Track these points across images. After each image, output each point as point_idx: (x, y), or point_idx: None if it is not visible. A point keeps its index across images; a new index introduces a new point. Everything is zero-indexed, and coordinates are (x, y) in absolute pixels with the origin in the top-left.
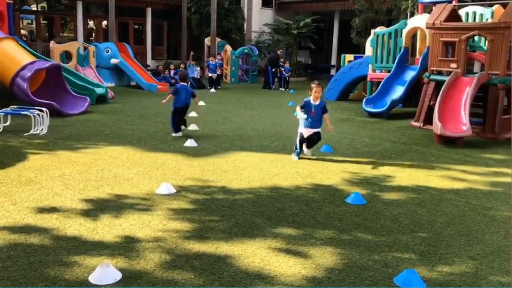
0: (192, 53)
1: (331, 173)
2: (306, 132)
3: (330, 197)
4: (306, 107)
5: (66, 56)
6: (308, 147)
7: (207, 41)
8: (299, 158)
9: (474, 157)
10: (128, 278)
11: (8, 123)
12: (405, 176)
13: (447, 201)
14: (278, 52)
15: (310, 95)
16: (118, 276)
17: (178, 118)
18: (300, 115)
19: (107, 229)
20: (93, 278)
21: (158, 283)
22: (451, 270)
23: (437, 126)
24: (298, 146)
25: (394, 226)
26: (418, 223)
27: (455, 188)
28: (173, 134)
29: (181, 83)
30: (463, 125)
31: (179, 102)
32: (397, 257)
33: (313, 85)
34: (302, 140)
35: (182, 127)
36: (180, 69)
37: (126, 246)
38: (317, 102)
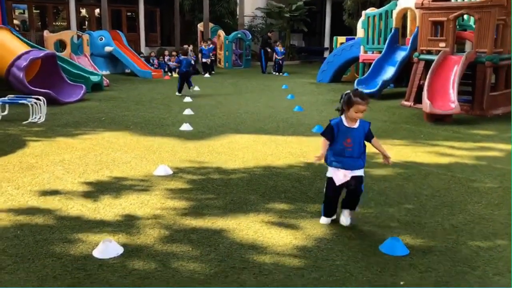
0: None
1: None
2: (339, 176)
3: (322, 174)
4: (335, 133)
5: (60, 45)
6: (349, 206)
7: (200, 26)
8: (332, 221)
9: (462, 133)
10: (129, 251)
11: (6, 112)
12: (393, 153)
13: (434, 175)
14: (269, 34)
15: (343, 113)
16: (120, 250)
17: (182, 81)
18: (321, 146)
19: (108, 208)
20: (96, 253)
21: (158, 255)
22: (434, 237)
23: (426, 104)
24: (325, 205)
25: (381, 199)
26: (405, 196)
27: (442, 163)
28: (176, 94)
29: (183, 56)
30: (451, 102)
31: (182, 68)
32: (383, 227)
33: (355, 99)
34: (335, 192)
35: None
36: (181, 54)
37: (127, 223)
38: (356, 125)
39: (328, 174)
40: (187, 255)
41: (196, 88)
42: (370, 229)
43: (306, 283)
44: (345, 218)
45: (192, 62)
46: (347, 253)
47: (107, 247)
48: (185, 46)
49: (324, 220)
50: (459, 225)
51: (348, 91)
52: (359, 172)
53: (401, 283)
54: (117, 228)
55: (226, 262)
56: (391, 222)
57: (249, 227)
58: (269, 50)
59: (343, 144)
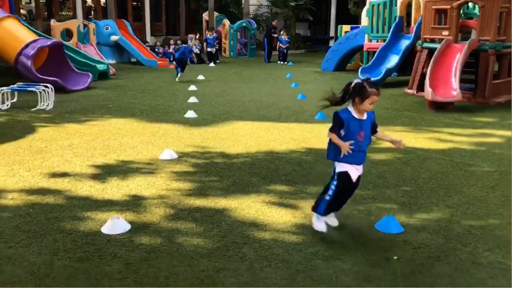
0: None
1: (325, 138)
2: (354, 172)
3: (322, 159)
4: (345, 126)
5: (67, 34)
6: (339, 207)
7: (205, 15)
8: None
9: (463, 120)
10: (136, 228)
11: (15, 99)
12: None
13: (432, 159)
14: (273, 23)
15: (352, 104)
16: (127, 227)
17: (180, 65)
18: (338, 142)
19: (115, 189)
20: (105, 229)
21: (164, 232)
22: (428, 216)
23: (428, 92)
24: (331, 202)
25: (380, 181)
26: (403, 179)
27: (441, 148)
28: (177, 77)
29: (183, 45)
30: (453, 90)
31: (181, 55)
32: (380, 207)
33: (371, 90)
34: (351, 188)
35: (182, 74)
36: (186, 43)
37: (134, 203)
38: (365, 117)
39: (341, 169)
40: (191, 232)
41: (201, 77)
42: (367, 209)
43: (304, 256)
44: (335, 219)
45: (194, 50)
46: (343, 230)
47: (115, 224)
48: (190, 35)
49: (321, 224)
50: (454, 206)
51: (357, 80)
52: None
53: (394, 257)
54: (124, 207)
55: (227, 238)
56: (388, 203)
57: (250, 207)
58: (275, 36)
59: (356, 138)
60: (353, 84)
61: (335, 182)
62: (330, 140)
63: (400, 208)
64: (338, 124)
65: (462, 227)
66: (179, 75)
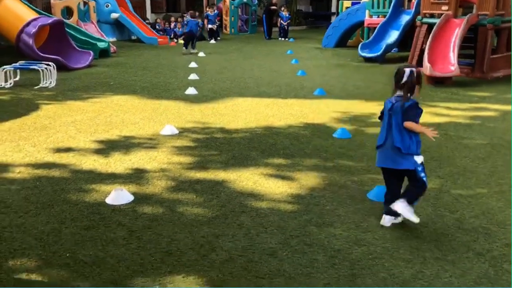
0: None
1: (323, 113)
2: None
3: (319, 133)
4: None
5: (67, 12)
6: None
7: None
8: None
9: (460, 95)
10: (139, 199)
11: (18, 78)
12: None
13: None
14: (273, 0)
15: (411, 93)
16: (130, 197)
17: (188, 40)
18: (423, 130)
19: (119, 163)
20: (109, 200)
21: (165, 202)
22: None
23: (426, 67)
24: (421, 194)
25: (374, 154)
26: None
27: (437, 122)
28: (183, 51)
29: (191, 19)
30: (451, 65)
31: (188, 29)
32: (373, 178)
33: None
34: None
35: (188, 49)
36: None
37: (136, 175)
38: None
39: (419, 160)
40: (191, 202)
41: (202, 54)
42: (360, 180)
43: (298, 223)
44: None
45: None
46: (337, 199)
47: (118, 195)
48: (190, 12)
49: (389, 220)
50: (445, 177)
51: (411, 68)
52: None
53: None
54: (127, 179)
55: (226, 207)
56: (380, 174)
57: (248, 179)
58: (273, 9)
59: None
60: (416, 73)
61: (422, 173)
62: (407, 133)
63: None
64: (420, 114)
65: (451, 196)
66: (183, 49)
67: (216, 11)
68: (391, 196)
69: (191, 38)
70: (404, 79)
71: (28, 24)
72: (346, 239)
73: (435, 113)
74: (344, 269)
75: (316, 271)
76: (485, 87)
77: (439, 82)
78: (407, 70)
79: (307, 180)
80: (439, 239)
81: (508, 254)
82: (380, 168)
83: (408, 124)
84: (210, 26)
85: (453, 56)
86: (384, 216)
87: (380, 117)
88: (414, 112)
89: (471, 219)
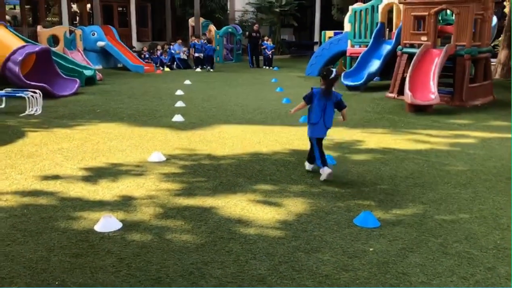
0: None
1: (308, 140)
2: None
3: (305, 159)
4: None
5: (54, 40)
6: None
7: (191, 21)
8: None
9: (440, 123)
10: (128, 226)
11: (3, 105)
12: (374, 140)
13: (409, 159)
14: (254, 27)
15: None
16: (119, 225)
17: (209, 62)
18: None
19: (106, 190)
20: (98, 227)
21: (154, 229)
22: (404, 212)
23: (407, 95)
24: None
25: (359, 180)
26: (381, 178)
27: (418, 149)
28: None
29: (209, 44)
30: (431, 94)
31: (209, 53)
32: (358, 204)
33: None
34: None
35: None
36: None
37: (124, 203)
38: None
39: None
40: (180, 229)
41: (188, 82)
42: (346, 206)
43: (287, 250)
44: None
45: (181, 55)
46: (324, 225)
47: (107, 222)
48: (195, 34)
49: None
50: (428, 202)
51: (334, 69)
52: None
53: (371, 249)
54: (115, 206)
55: (215, 233)
56: (366, 200)
57: (236, 205)
58: (253, 36)
59: None
60: (336, 74)
61: None
62: (331, 115)
63: (378, 204)
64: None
65: (434, 221)
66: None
67: (203, 40)
68: (321, 154)
69: (211, 60)
70: (332, 76)
71: (14, 52)
72: (333, 265)
73: (417, 140)
74: None
75: None
76: (464, 115)
77: (420, 110)
78: (334, 70)
79: (294, 206)
80: (424, 263)
81: (491, 278)
82: (315, 138)
83: (344, 111)
84: (196, 54)
85: (433, 85)
86: (322, 169)
87: (305, 98)
88: (344, 103)
89: (454, 243)
